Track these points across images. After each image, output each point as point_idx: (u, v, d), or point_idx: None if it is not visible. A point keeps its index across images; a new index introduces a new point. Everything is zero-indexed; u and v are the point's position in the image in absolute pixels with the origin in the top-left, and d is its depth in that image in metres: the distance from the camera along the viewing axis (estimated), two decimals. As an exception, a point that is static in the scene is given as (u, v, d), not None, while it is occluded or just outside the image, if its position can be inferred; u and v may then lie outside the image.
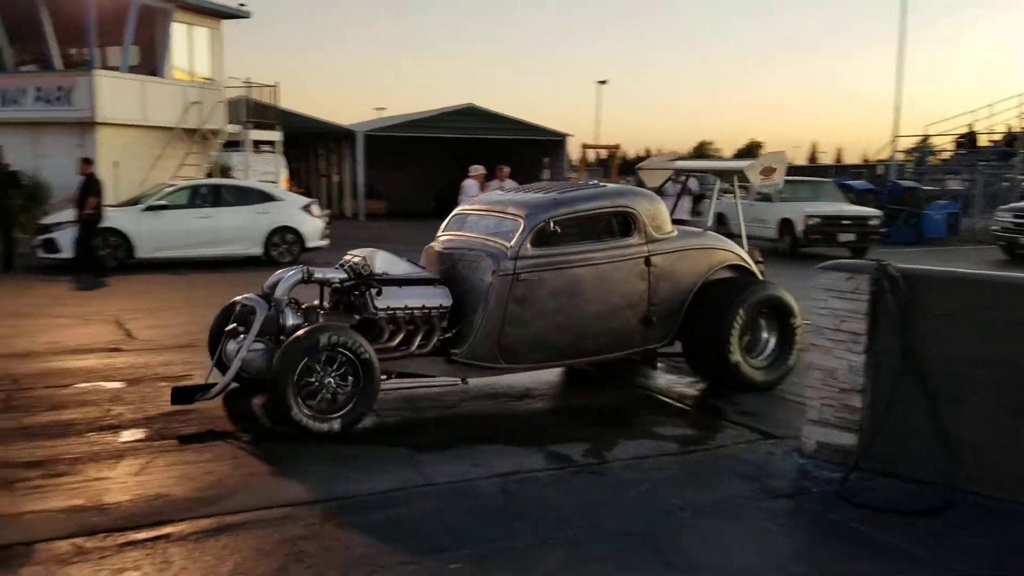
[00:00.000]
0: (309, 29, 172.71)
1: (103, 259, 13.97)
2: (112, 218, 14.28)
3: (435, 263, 6.48)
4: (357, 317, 5.93)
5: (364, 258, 6.10)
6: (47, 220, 14.79)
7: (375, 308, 5.86)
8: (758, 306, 6.70)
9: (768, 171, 7.51)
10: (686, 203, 14.20)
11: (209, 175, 19.59)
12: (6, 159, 14.19)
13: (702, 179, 16.01)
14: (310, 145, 34.49)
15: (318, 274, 6.00)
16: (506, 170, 14.21)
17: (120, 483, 4.71)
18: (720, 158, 45.90)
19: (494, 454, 5.27)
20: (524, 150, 31.79)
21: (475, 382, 6.52)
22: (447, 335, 6.03)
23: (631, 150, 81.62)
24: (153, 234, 14.52)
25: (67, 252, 13.99)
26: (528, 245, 5.98)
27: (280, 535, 4.04)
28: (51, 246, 14.18)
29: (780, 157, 7.72)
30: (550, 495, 4.65)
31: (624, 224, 6.46)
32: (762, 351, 6.88)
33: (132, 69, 19.52)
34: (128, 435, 5.56)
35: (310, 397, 5.36)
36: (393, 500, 4.51)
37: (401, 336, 5.91)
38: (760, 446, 5.58)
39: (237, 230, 15.25)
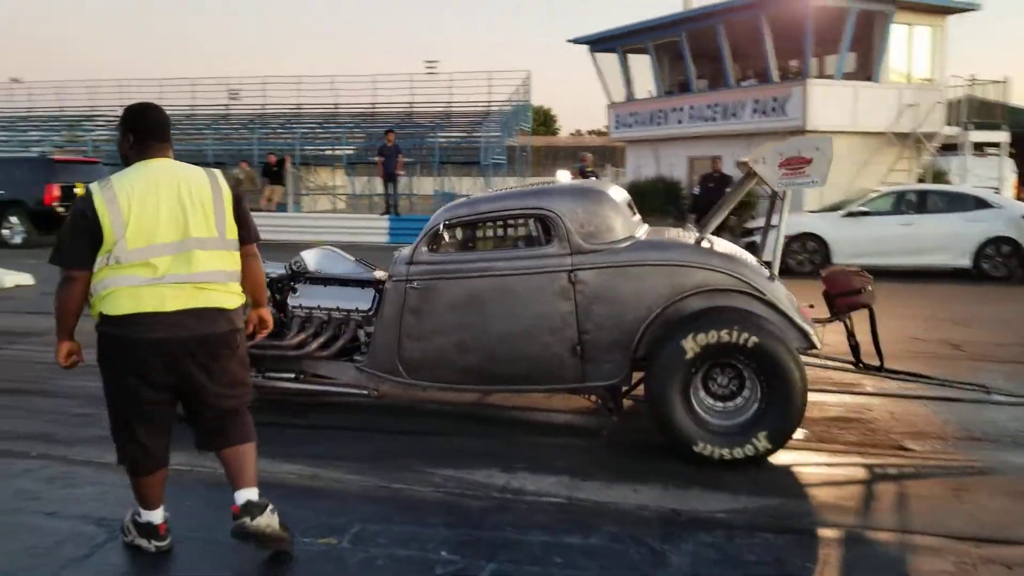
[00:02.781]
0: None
1: (797, 264, 14.13)
2: (811, 223, 14.37)
3: None
4: None
5: (301, 255, 5.98)
6: (751, 224, 15.51)
7: (286, 306, 5.83)
8: (722, 350, 4.71)
9: (794, 163, 5.01)
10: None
11: (920, 180, 18.38)
12: (722, 167, 15.30)
13: None
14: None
15: None
16: None
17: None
18: None
19: None
20: None
21: None
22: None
23: None
24: (851, 241, 14.19)
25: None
26: (424, 249, 5.35)
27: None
28: (751, 250, 14.76)
29: (817, 143, 5.10)
30: None
31: (545, 230, 5.25)
32: (733, 416, 4.85)
33: (846, 76, 19.40)
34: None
35: None
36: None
37: (302, 336, 5.66)
38: None
39: (942, 239, 14.04)
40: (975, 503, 4.23)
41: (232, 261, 3.43)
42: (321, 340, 5.63)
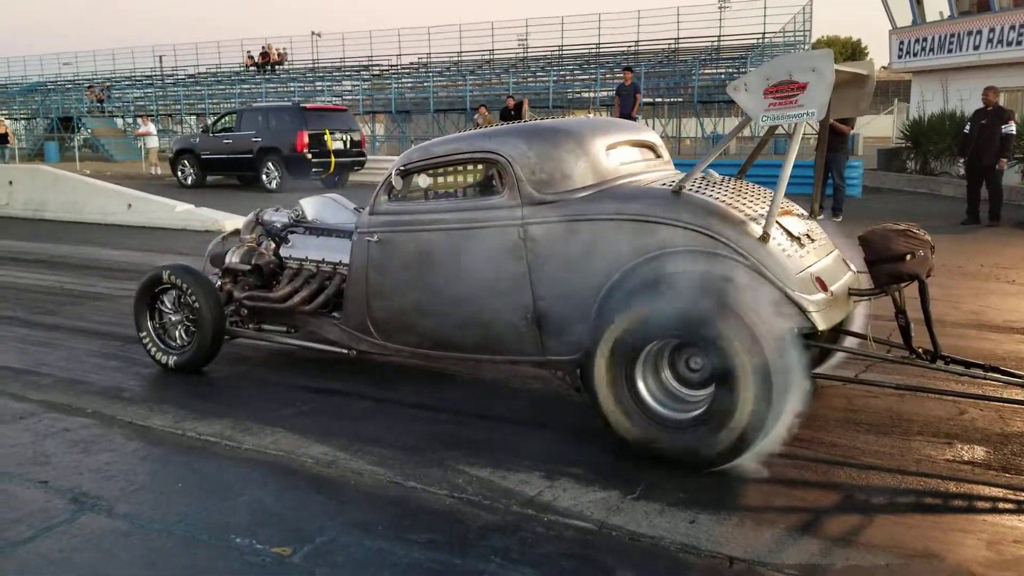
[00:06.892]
0: None
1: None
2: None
3: None
4: (250, 264, 5.59)
5: (301, 203, 5.79)
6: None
7: (277, 256, 5.61)
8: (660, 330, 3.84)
9: (784, 89, 3.70)
10: None
11: None
12: (997, 99, 12.65)
13: None
14: None
15: (265, 216, 5.81)
16: None
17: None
18: None
19: None
20: None
21: None
22: None
23: None
24: None
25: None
26: (384, 198, 4.83)
27: None
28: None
29: (815, 63, 3.70)
30: None
31: (499, 177, 4.45)
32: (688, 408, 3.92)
33: None
34: (970, 452, 4.16)
35: (166, 331, 5.58)
36: None
37: (288, 289, 5.38)
38: None
39: None
40: None
41: None
42: (304, 294, 5.32)
